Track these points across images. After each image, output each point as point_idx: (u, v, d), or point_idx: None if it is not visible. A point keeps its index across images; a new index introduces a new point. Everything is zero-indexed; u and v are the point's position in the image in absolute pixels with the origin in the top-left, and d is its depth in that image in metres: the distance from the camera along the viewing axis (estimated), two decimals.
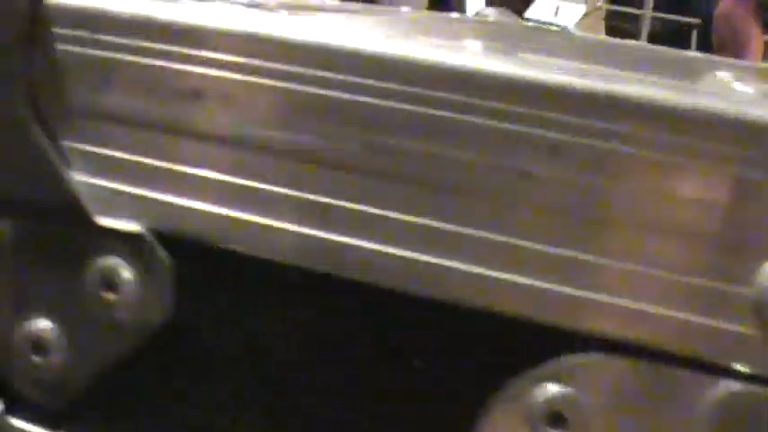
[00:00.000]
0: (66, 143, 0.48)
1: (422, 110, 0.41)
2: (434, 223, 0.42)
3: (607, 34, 3.78)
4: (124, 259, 0.47)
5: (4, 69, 0.48)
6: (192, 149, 0.46)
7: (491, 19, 1.15)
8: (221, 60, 0.45)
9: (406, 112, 0.41)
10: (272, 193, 0.45)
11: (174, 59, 0.46)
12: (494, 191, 0.41)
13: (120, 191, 0.47)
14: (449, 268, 0.42)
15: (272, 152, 0.45)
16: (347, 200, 0.43)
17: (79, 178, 0.48)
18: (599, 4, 3.75)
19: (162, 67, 0.46)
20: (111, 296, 0.47)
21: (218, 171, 0.45)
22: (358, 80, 0.41)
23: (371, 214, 0.43)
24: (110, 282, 0.47)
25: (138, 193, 0.47)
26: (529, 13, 3.35)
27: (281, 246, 0.45)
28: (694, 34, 3.57)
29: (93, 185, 0.48)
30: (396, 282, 0.43)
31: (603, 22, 3.76)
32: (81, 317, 0.49)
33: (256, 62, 0.44)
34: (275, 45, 0.44)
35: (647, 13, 3.58)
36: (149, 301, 0.47)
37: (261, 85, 0.44)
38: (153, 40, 0.46)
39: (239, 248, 0.46)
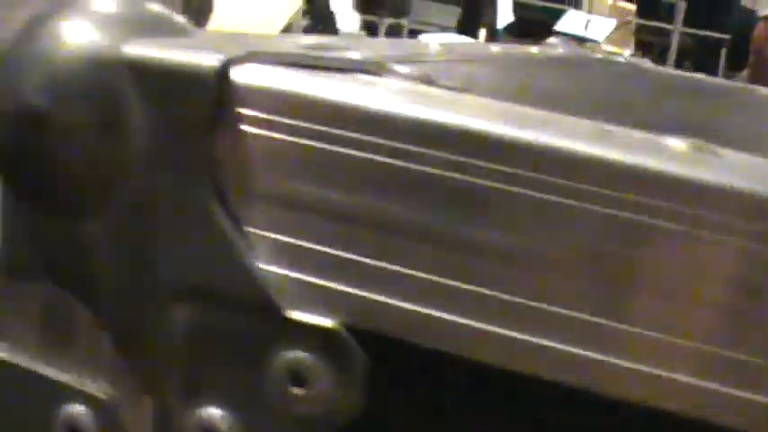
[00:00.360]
0: (252, 230, 0.46)
1: (660, 223, 0.39)
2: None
3: (636, 48, 3.78)
4: (314, 354, 0.45)
5: (187, 150, 0.46)
6: (391, 245, 0.44)
7: (560, 50, 1.14)
8: (434, 157, 0.43)
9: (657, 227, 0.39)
10: (475, 293, 0.43)
11: (378, 152, 0.44)
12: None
13: (311, 283, 0.45)
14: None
15: (475, 251, 0.43)
16: (556, 305, 0.42)
17: (265, 267, 0.46)
18: (628, 18, 3.73)
19: (362, 159, 0.44)
20: (298, 391, 0.46)
21: (419, 269, 0.44)
22: (602, 191, 0.40)
23: (572, 318, 0.42)
24: (298, 376, 0.46)
25: (332, 286, 0.45)
26: (559, 26, 3.33)
27: (483, 347, 0.43)
28: (724, 50, 3.56)
29: (281, 275, 0.46)
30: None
31: (633, 37, 3.75)
32: (261, 409, 0.47)
33: (462, 159, 0.42)
34: (481, 141, 0.42)
35: (678, 27, 3.56)
36: (340, 398, 0.45)
37: (472, 184, 0.42)
38: (353, 130, 0.44)
39: (438, 347, 0.44)
